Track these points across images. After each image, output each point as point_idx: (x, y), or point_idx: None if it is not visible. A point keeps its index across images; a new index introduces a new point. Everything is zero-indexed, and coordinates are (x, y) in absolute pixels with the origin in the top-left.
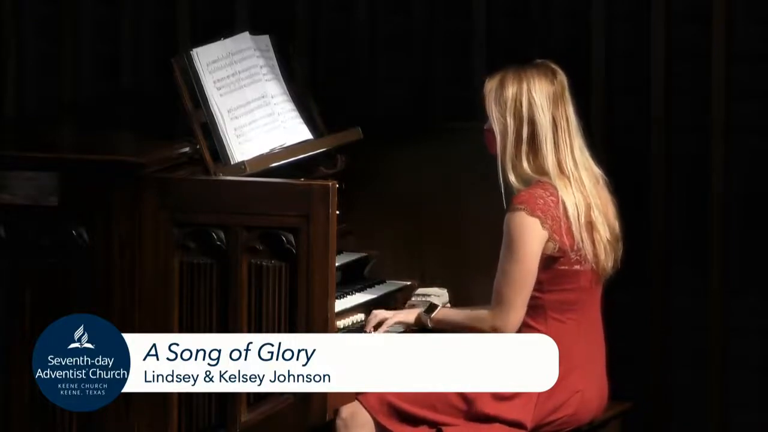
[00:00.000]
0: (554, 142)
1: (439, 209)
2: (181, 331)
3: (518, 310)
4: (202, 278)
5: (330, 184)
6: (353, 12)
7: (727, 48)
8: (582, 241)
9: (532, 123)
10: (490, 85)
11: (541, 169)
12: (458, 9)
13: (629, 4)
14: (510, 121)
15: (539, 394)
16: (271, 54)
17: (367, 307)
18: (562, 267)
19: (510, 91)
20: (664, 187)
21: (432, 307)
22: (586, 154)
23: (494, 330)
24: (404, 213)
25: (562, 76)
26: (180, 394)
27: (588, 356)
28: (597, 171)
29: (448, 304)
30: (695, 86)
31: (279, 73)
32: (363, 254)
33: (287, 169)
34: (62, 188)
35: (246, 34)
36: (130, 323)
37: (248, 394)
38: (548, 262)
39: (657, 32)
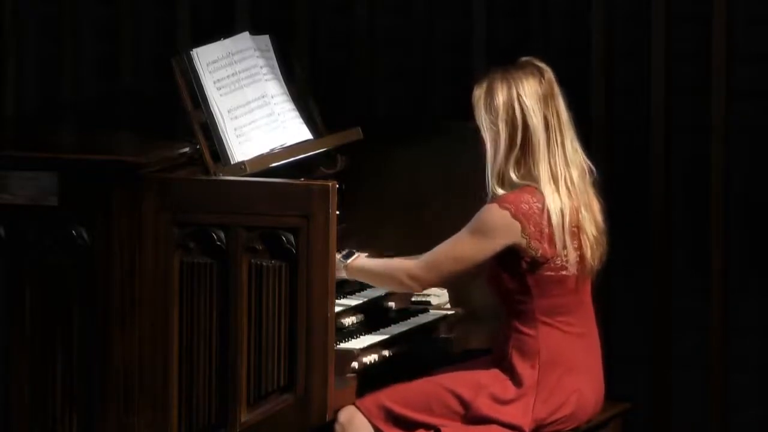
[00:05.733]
0: (547, 146)
1: (439, 209)
2: (180, 331)
3: (440, 277)
4: (202, 278)
5: (330, 184)
6: (353, 12)
7: (727, 48)
8: (565, 248)
9: (525, 128)
10: (479, 93)
11: (529, 176)
12: (458, 9)
13: (629, 4)
14: (503, 128)
15: (536, 397)
16: (271, 54)
17: (366, 308)
18: (548, 273)
19: (500, 98)
20: (664, 187)
21: (350, 253)
22: (576, 144)
23: (410, 278)
24: (404, 213)
25: (549, 73)
26: (180, 394)
27: (583, 357)
28: (585, 164)
29: (447, 301)
30: (695, 86)
31: (279, 73)
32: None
33: (287, 169)
34: (62, 188)
35: (246, 34)
36: (130, 323)
37: (248, 394)
38: (533, 265)
39: (657, 32)
